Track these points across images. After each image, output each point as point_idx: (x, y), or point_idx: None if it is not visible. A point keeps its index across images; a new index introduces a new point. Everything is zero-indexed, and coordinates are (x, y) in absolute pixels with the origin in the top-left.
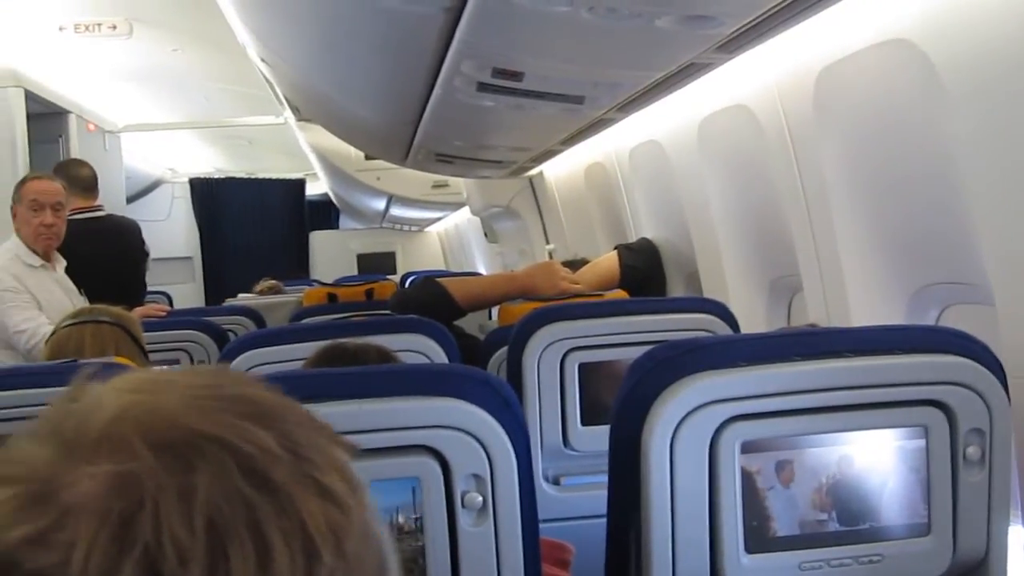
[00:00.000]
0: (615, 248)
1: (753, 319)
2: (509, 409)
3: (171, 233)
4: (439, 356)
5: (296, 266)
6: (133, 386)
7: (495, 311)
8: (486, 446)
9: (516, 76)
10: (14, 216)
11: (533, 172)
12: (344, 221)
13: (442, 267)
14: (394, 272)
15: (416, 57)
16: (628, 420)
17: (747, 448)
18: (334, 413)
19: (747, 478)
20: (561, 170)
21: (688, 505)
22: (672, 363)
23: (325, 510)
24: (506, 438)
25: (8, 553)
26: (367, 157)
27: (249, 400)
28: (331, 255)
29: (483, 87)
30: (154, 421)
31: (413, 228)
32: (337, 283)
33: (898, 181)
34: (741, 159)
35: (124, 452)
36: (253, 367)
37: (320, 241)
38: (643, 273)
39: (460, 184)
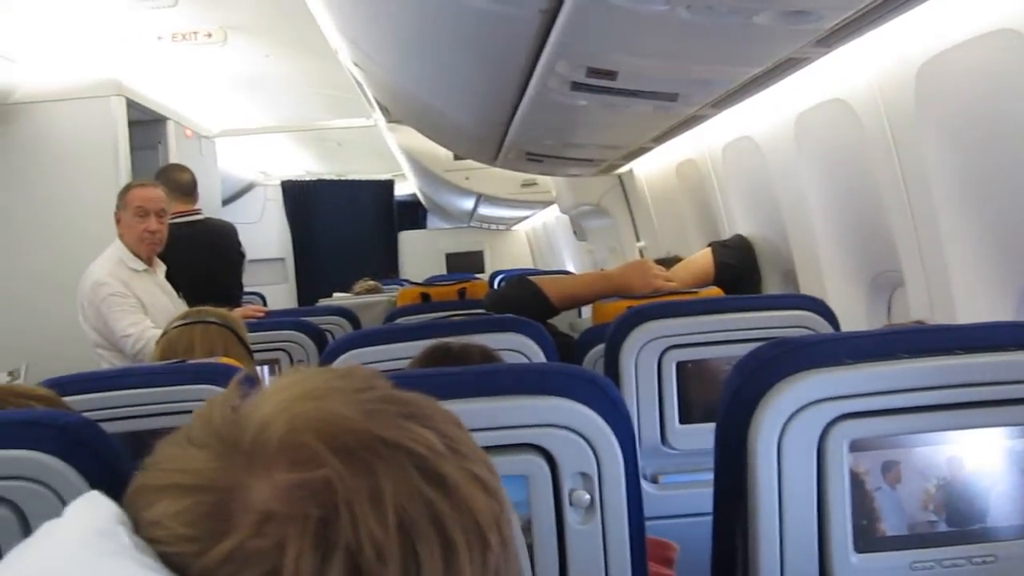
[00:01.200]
0: (709, 245)
1: (852, 316)
2: (616, 408)
3: (264, 235)
4: (537, 355)
5: (386, 266)
6: (300, 392)
7: (585, 309)
8: (593, 445)
9: (610, 75)
10: (118, 221)
11: (623, 170)
12: (431, 221)
13: (530, 266)
14: (482, 271)
15: (510, 58)
16: (734, 418)
17: (855, 447)
18: None
19: (855, 477)
20: (651, 167)
21: (796, 504)
22: (779, 361)
23: (489, 503)
24: (613, 437)
25: (209, 571)
26: (456, 157)
27: (403, 401)
28: (420, 255)
29: (577, 86)
30: (332, 427)
31: (500, 227)
32: (429, 282)
33: (1005, 174)
34: (839, 154)
35: (309, 459)
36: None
37: (409, 241)
38: (737, 270)
39: (549, 182)
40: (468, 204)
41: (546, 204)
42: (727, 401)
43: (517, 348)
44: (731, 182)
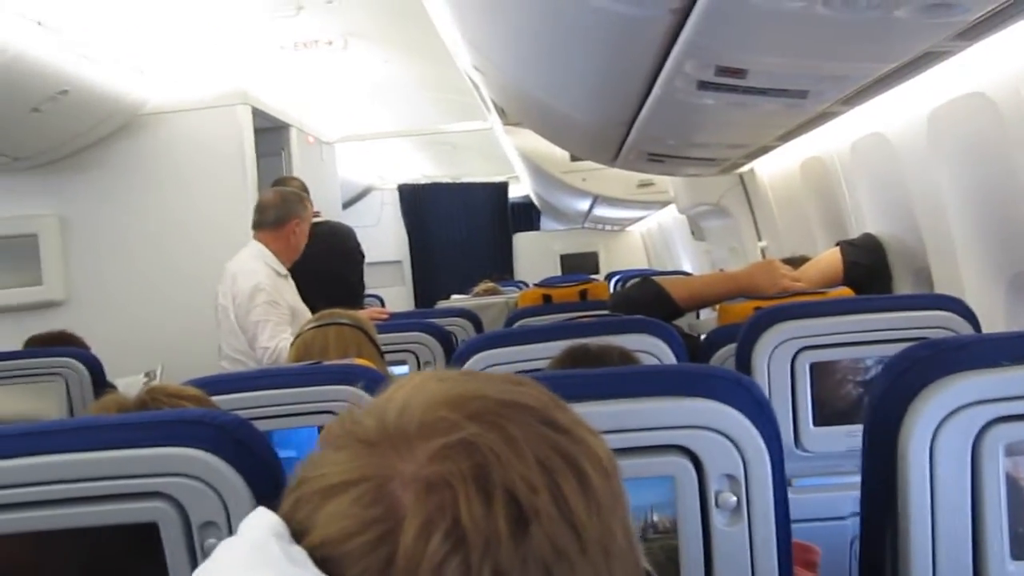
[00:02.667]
0: (837, 244)
1: (991, 317)
2: (762, 410)
3: (381, 238)
4: (667, 356)
5: (501, 268)
6: (425, 379)
7: (703, 310)
8: (740, 446)
9: (739, 74)
10: (290, 236)
11: (744, 169)
12: (545, 223)
13: (644, 266)
14: (597, 272)
15: (636, 58)
16: (883, 421)
17: (1011, 451)
18: (591, 412)
19: (1011, 482)
20: (774, 165)
21: (949, 508)
22: (932, 362)
23: (597, 439)
24: (760, 439)
25: (409, 551)
26: (573, 158)
27: (508, 378)
28: (535, 256)
29: (704, 85)
30: (460, 399)
31: (615, 228)
32: (548, 284)
33: None
34: (977, 149)
35: (448, 428)
36: (485, 368)
37: (524, 242)
38: (867, 270)
39: (666, 182)
40: (583, 205)
41: (663, 204)
42: (875, 403)
43: (647, 349)
44: (860, 179)
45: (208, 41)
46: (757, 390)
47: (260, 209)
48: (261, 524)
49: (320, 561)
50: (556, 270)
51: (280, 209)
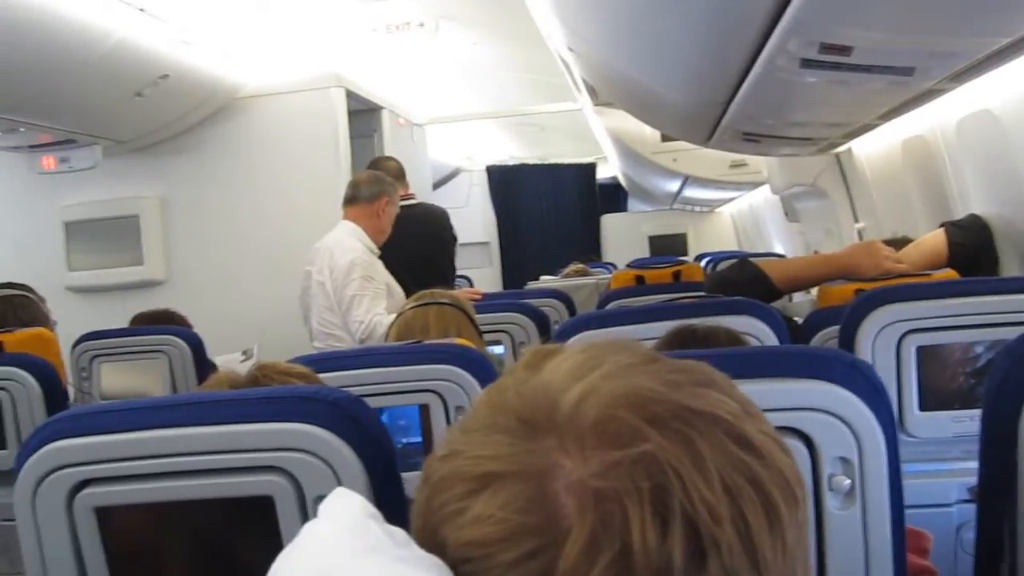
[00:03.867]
0: (941, 225)
1: None
2: (878, 393)
3: (469, 219)
4: (769, 338)
5: (589, 249)
6: (602, 371)
7: (796, 293)
8: (855, 430)
9: (844, 51)
10: (379, 214)
11: (841, 148)
12: (632, 204)
13: (734, 248)
14: (686, 254)
15: (737, 37)
16: (1003, 406)
17: None
18: None
19: None
20: (872, 145)
21: None
22: None
23: (788, 461)
24: (875, 422)
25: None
26: (664, 138)
27: (691, 369)
28: (622, 238)
29: (807, 63)
30: (642, 401)
31: (705, 209)
32: (638, 264)
33: None
34: None
35: (627, 433)
36: None
37: (611, 224)
38: (973, 251)
39: (759, 162)
40: (673, 186)
41: (754, 185)
42: (994, 387)
43: (748, 331)
44: (966, 159)
45: (302, 24)
46: (873, 373)
47: (352, 185)
48: (352, 505)
49: (460, 561)
50: (644, 252)
51: (372, 186)
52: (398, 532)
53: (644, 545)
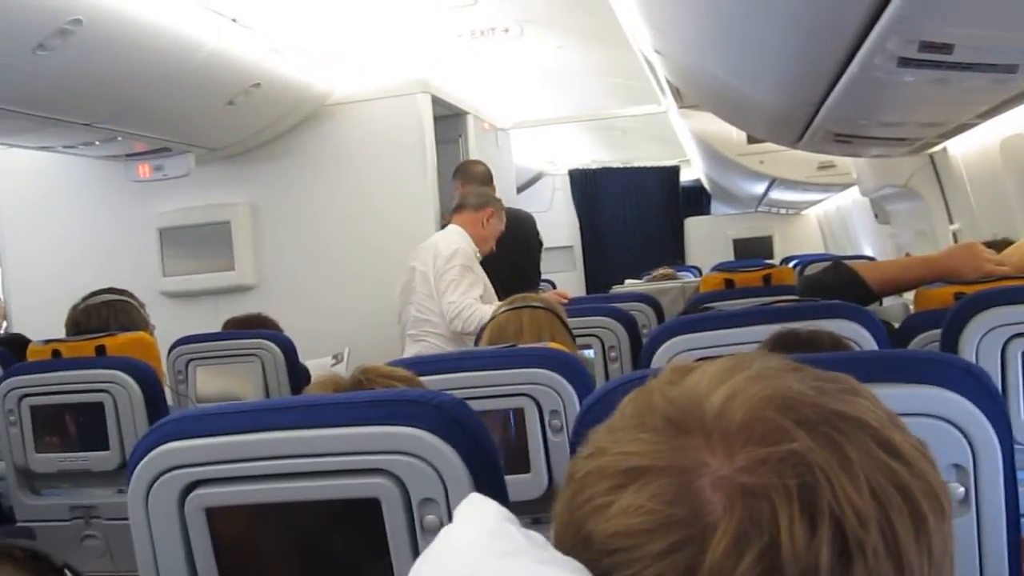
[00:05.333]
0: None
1: None
2: (993, 399)
3: (552, 223)
4: (868, 343)
5: (672, 253)
6: (748, 374)
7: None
8: (969, 436)
9: (945, 49)
10: (483, 222)
11: (936, 148)
12: (716, 207)
13: (821, 251)
14: (771, 257)
15: (833, 37)
16: None
17: None
18: None
19: None
20: (968, 145)
21: None
22: None
23: (934, 471)
24: (991, 429)
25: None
26: (750, 140)
27: (836, 378)
28: (706, 241)
29: (905, 62)
30: (791, 403)
31: (790, 211)
32: (726, 268)
33: None
34: None
35: (774, 433)
36: (680, 353)
37: (695, 227)
38: None
39: (848, 164)
40: (759, 188)
41: (843, 187)
42: None
43: (846, 335)
44: None
45: (389, 31)
46: (987, 379)
47: (463, 195)
48: (489, 509)
49: (605, 553)
50: (729, 255)
51: (479, 196)
52: (535, 535)
53: (792, 542)
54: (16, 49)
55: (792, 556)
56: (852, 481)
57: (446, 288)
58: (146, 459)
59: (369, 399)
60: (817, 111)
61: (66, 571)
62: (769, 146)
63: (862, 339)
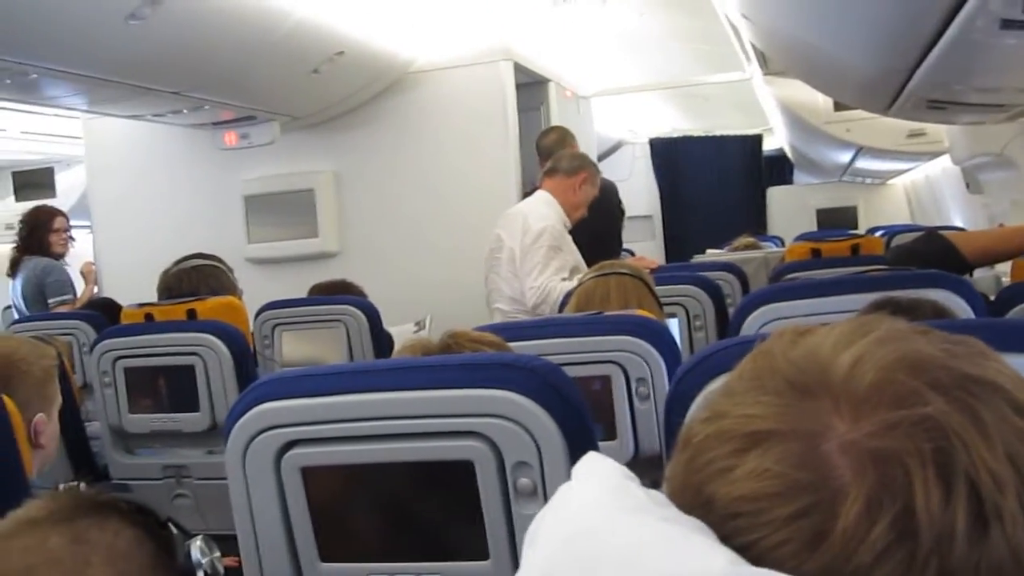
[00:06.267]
0: None
1: None
2: None
3: (632, 192)
4: (967, 313)
5: (754, 223)
6: (876, 336)
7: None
8: None
9: None
10: (576, 188)
11: None
12: (798, 176)
13: (907, 221)
14: (855, 227)
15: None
16: None
17: None
18: None
19: None
20: None
21: None
22: None
23: None
24: None
25: (846, 532)
26: (837, 107)
27: (965, 341)
28: (788, 211)
29: (1008, 24)
30: (923, 366)
31: (876, 181)
32: (811, 237)
33: None
34: None
35: (907, 396)
36: (770, 322)
37: (777, 197)
38: None
39: (940, 132)
40: (845, 157)
41: (932, 155)
42: None
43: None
44: None
45: None
46: None
47: (555, 158)
48: (608, 467)
49: (728, 517)
50: (811, 225)
51: (573, 160)
52: (656, 494)
53: (928, 507)
54: (109, 18)
55: (928, 521)
56: (988, 445)
57: (531, 270)
58: (243, 418)
59: (463, 362)
60: (910, 76)
61: (170, 524)
62: (857, 113)
63: (960, 310)
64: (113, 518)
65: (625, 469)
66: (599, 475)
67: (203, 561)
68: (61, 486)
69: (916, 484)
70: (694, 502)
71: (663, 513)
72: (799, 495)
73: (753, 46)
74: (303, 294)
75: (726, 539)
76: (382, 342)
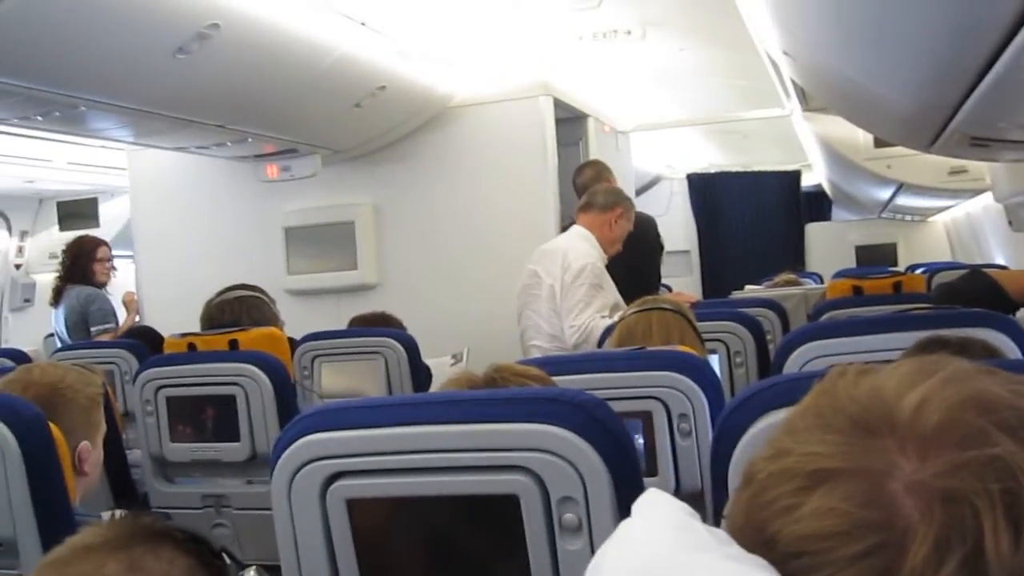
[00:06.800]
0: None
1: None
2: None
3: (669, 228)
4: (1013, 353)
5: (792, 259)
6: (941, 377)
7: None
8: None
9: None
10: (611, 224)
11: None
12: (836, 212)
13: (948, 259)
14: (895, 265)
15: (978, 35)
16: None
17: None
18: None
19: None
20: None
21: None
22: None
23: None
24: None
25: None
26: (878, 144)
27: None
28: (827, 247)
29: None
30: (990, 406)
31: (916, 218)
32: (852, 274)
33: None
34: None
35: (975, 437)
36: (814, 359)
37: (816, 233)
38: None
39: (982, 169)
40: (884, 194)
41: (974, 193)
42: None
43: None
44: None
45: (511, 33)
46: None
47: (590, 192)
48: (670, 504)
49: (792, 555)
50: (850, 262)
51: (609, 196)
52: (719, 532)
53: (997, 548)
54: (158, 53)
55: (997, 562)
56: None
57: (572, 308)
58: (290, 449)
59: (509, 396)
60: (954, 114)
61: (223, 554)
62: (898, 150)
63: (1008, 349)
64: (168, 546)
65: (687, 507)
66: (662, 511)
67: None
68: (116, 513)
69: (985, 525)
70: (756, 540)
71: (727, 551)
72: (865, 534)
73: (793, 82)
74: (341, 325)
75: None
76: (420, 375)
